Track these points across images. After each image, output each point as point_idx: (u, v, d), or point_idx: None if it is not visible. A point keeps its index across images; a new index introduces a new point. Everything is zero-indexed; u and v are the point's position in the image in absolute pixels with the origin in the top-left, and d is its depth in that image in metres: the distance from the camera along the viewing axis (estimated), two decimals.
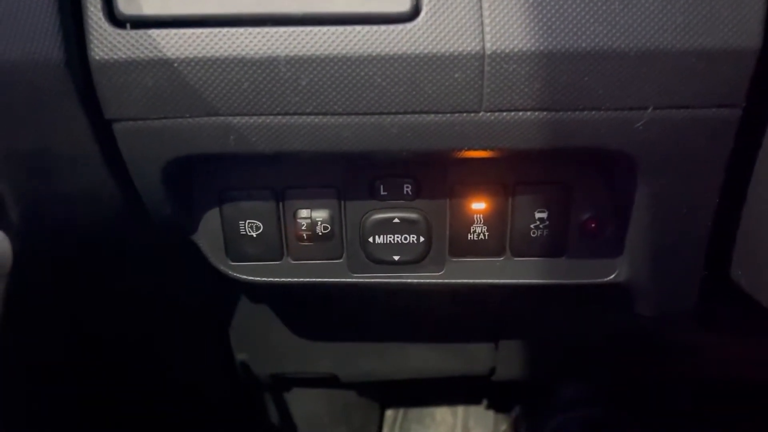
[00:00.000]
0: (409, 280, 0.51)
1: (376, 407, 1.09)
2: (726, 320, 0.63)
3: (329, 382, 0.87)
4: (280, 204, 0.48)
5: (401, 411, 1.12)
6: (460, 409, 1.11)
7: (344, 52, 0.38)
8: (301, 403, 0.95)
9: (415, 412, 1.12)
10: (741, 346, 0.74)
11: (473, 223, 0.49)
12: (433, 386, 1.04)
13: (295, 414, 0.95)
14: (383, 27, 0.38)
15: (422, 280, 0.51)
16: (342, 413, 1.02)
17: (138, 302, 0.71)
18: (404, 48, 0.38)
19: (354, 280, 0.51)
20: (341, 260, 0.51)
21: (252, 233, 0.49)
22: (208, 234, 0.50)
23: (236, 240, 0.49)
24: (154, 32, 0.38)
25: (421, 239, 0.49)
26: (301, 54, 0.38)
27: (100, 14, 0.38)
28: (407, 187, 0.48)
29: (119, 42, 0.38)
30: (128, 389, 0.78)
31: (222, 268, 0.51)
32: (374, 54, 0.38)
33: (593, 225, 0.49)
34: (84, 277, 0.63)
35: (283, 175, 0.48)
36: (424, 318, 0.77)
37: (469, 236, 0.49)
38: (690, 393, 0.92)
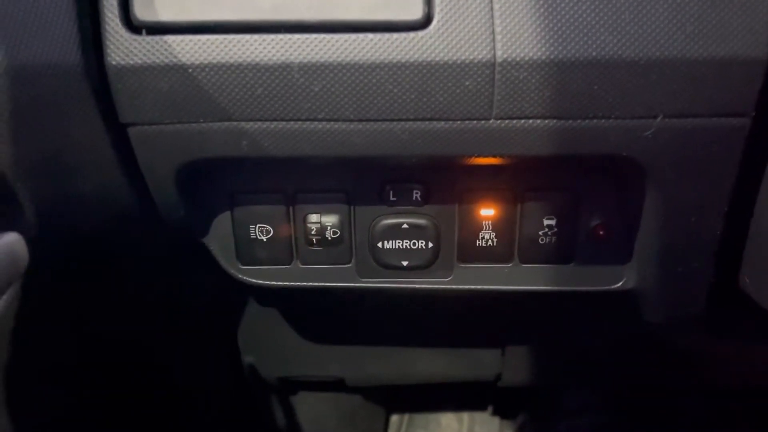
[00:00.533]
0: (417, 286, 0.52)
1: (381, 412, 1.09)
2: (734, 327, 0.63)
3: (336, 385, 0.87)
4: (291, 208, 0.49)
5: (406, 416, 1.12)
6: (466, 415, 1.11)
7: (357, 59, 0.38)
8: (308, 406, 0.96)
9: (420, 418, 1.12)
10: (750, 354, 0.73)
11: (482, 229, 0.49)
12: (438, 392, 1.04)
13: (301, 417, 0.95)
14: (395, 35, 0.38)
15: (430, 286, 0.52)
16: (348, 418, 1.02)
17: (147, 304, 0.71)
18: (416, 56, 0.38)
19: (362, 285, 0.52)
20: (350, 265, 0.51)
21: (262, 237, 0.50)
22: (219, 237, 0.50)
23: (247, 243, 0.50)
24: (170, 38, 0.38)
25: (430, 245, 0.50)
26: (314, 61, 0.38)
27: (117, 20, 0.38)
28: (416, 193, 0.48)
29: (135, 47, 0.38)
30: (135, 391, 0.78)
31: (232, 271, 0.52)
32: (386, 61, 0.38)
33: (601, 232, 0.49)
34: (94, 278, 0.64)
35: (294, 179, 0.48)
36: (431, 323, 0.77)
37: (477, 242, 0.50)
38: (697, 401, 0.92)
